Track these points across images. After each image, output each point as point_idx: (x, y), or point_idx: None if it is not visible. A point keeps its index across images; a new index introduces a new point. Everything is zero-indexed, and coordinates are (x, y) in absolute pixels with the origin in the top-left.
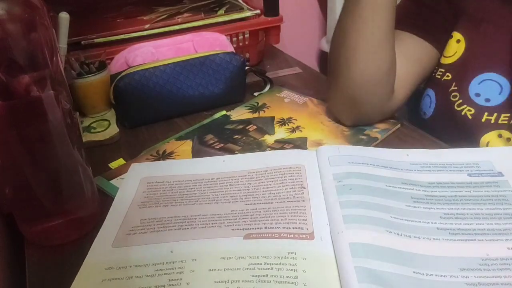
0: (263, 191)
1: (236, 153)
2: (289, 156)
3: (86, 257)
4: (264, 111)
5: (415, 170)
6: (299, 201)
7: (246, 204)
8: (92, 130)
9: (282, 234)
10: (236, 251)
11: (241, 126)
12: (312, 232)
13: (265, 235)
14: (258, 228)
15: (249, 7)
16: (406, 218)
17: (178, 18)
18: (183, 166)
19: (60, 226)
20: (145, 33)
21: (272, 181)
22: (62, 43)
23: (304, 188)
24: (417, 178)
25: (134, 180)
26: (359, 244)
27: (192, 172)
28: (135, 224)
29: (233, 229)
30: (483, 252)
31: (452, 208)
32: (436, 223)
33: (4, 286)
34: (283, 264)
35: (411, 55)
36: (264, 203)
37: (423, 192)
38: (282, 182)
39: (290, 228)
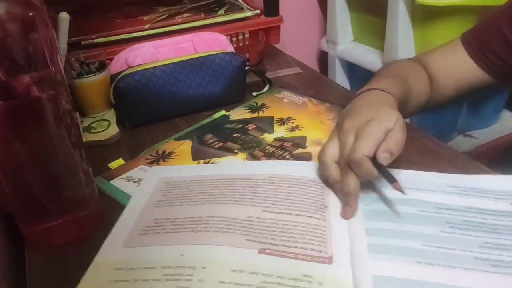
0: (283, 198)
1: (236, 152)
2: (313, 169)
3: (96, 256)
4: (264, 111)
5: (452, 193)
6: (319, 219)
7: (264, 211)
8: (92, 130)
9: (298, 255)
10: (249, 265)
11: (240, 126)
12: (331, 256)
13: (280, 253)
14: (274, 244)
15: (249, 7)
16: (440, 245)
17: (178, 18)
18: (204, 170)
19: (60, 226)
20: (145, 33)
21: (293, 190)
22: (62, 43)
23: (327, 207)
24: (454, 202)
25: (152, 179)
26: (383, 277)
27: (212, 173)
28: (149, 224)
29: (248, 240)
30: None
31: (493, 237)
32: (474, 251)
33: (4, 286)
34: (297, 287)
35: (456, 71)
36: (283, 213)
37: (460, 217)
38: (304, 194)
39: (307, 249)
